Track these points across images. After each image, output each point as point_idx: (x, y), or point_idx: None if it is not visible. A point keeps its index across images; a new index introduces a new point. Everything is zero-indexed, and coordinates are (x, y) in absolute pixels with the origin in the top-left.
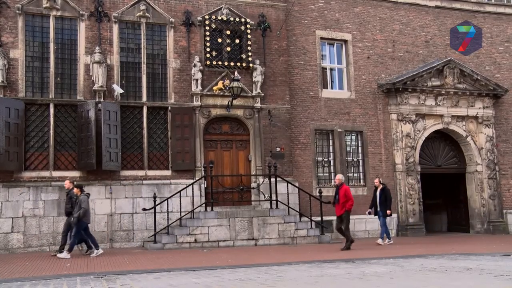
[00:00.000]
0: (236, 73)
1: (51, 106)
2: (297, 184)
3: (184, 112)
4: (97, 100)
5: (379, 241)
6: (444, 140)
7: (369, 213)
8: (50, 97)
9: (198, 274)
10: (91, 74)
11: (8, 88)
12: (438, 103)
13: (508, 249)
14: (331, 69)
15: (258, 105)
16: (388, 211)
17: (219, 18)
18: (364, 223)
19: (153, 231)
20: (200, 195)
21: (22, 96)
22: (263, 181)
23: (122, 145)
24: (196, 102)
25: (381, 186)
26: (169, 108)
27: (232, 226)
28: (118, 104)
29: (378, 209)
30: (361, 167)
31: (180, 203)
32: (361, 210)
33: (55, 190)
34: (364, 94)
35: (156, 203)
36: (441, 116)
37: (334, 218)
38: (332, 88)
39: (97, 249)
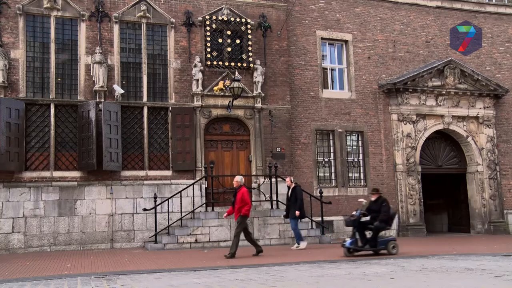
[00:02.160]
0: (236, 73)
1: (52, 106)
2: None
3: (184, 112)
4: (97, 100)
5: (294, 247)
6: (445, 140)
7: (285, 217)
8: (50, 97)
9: (198, 274)
10: (91, 74)
11: (8, 89)
12: (439, 103)
13: (509, 249)
14: (332, 69)
15: (258, 105)
16: (297, 212)
17: (220, 18)
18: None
19: (154, 231)
20: (201, 195)
21: (22, 96)
22: (263, 181)
23: (122, 145)
24: (197, 102)
25: (292, 185)
26: (170, 108)
27: (233, 226)
28: (119, 104)
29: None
30: (361, 168)
31: (181, 203)
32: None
33: (56, 190)
34: (364, 94)
35: (157, 203)
36: (442, 116)
37: (335, 218)
38: (332, 89)
39: None
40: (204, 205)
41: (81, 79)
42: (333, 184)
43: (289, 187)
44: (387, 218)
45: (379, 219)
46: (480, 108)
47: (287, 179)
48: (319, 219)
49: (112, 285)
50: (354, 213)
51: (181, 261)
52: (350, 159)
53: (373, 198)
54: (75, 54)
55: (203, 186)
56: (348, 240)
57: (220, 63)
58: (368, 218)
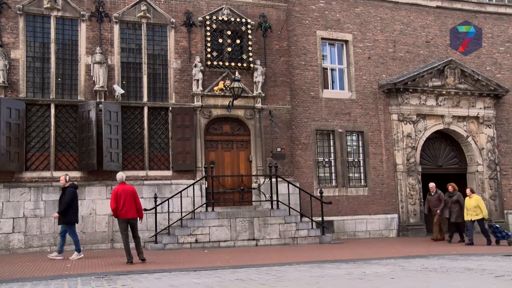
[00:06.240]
0: (237, 73)
1: (52, 106)
2: (298, 185)
3: (185, 112)
4: (98, 100)
5: (53, 254)
6: (445, 140)
7: (55, 218)
8: (51, 97)
9: (199, 274)
10: (92, 74)
11: (9, 89)
12: (439, 103)
13: (509, 249)
14: (332, 70)
15: (259, 105)
16: (55, 214)
17: (220, 18)
18: (365, 223)
19: (154, 232)
20: (201, 196)
21: (23, 96)
22: (264, 182)
23: (123, 145)
24: (197, 103)
25: (66, 184)
26: (170, 108)
27: (233, 227)
28: (119, 104)
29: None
30: (362, 168)
31: (181, 204)
32: (362, 210)
33: (56, 190)
34: (365, 94)
35: (157, 203)
36: (442, 116)
37: (335, 218)
38: (333, 89)
39: None
40: (205, 205)
41: (81, 79)
42: (333, 184)
43: (64, 187)
44: None
45: None
46: (480, 108)
47: (62, 178)
48: (319, 219)
49: (112, 285)
50: None
51: (181, 261)
52: (350, 159)
53: None
54: (75, 54)
55: (203, 186)
56: None
57: (220, 63)
58: None
